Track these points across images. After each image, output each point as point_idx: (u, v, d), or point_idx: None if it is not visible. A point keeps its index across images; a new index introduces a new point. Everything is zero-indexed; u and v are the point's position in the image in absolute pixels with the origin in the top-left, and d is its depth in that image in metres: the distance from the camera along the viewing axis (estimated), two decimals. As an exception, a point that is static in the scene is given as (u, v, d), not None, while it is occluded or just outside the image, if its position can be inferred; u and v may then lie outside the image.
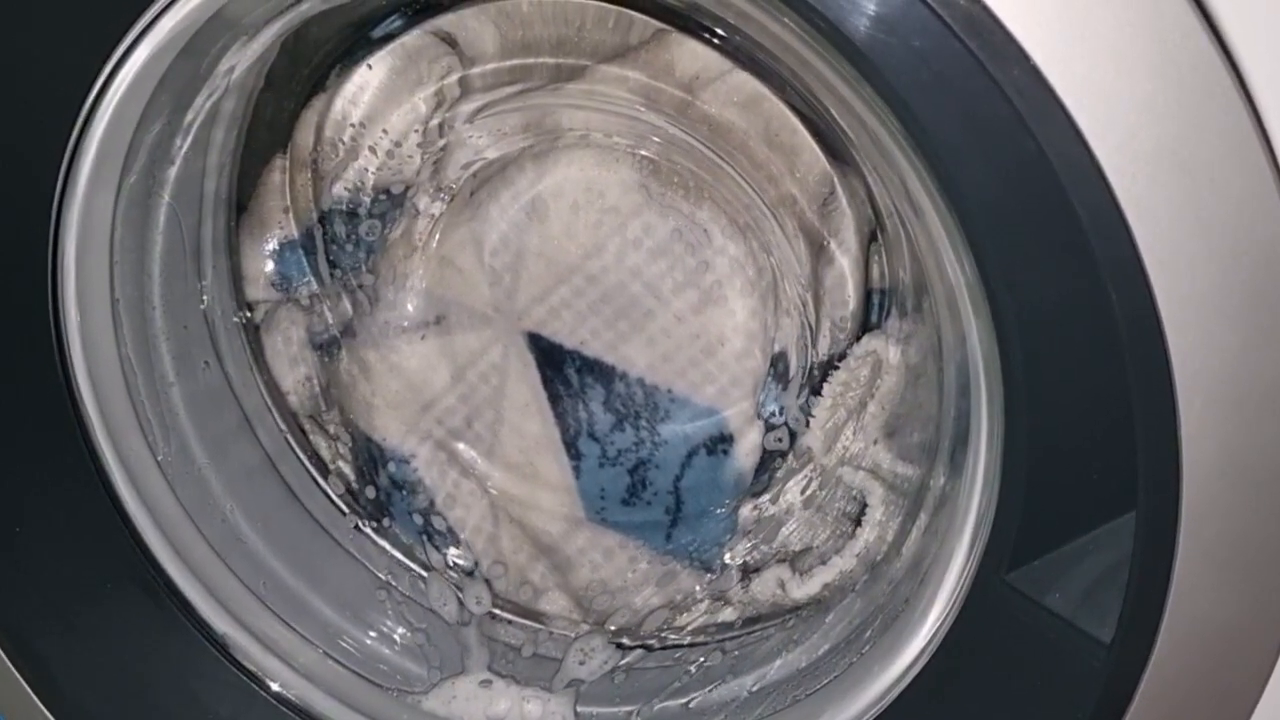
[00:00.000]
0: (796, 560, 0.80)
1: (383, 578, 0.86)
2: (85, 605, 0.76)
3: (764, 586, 0.80)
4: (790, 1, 0.52)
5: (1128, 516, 0.53)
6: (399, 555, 0.87)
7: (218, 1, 0.62)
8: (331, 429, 0.88)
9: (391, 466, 0.85)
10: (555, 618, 0.86)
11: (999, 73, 0.49)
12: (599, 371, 0.80)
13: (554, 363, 0.81)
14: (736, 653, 0.80)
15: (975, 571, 0.59)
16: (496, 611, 0.85)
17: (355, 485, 0.87)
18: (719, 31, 0.73)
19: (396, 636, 0.84)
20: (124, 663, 0.77)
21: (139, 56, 0.63)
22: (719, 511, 0.82)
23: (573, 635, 0.84)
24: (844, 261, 0.76)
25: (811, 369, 0.78)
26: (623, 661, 0.82)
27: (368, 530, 0.87)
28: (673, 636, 0.83)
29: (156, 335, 0.77)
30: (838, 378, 0.77)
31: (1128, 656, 0.56)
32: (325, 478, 0.87)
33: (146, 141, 0.69)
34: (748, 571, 0.82)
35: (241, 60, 0.71)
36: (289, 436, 0.87)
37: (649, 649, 0.83)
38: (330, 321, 0.85)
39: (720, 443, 0.80)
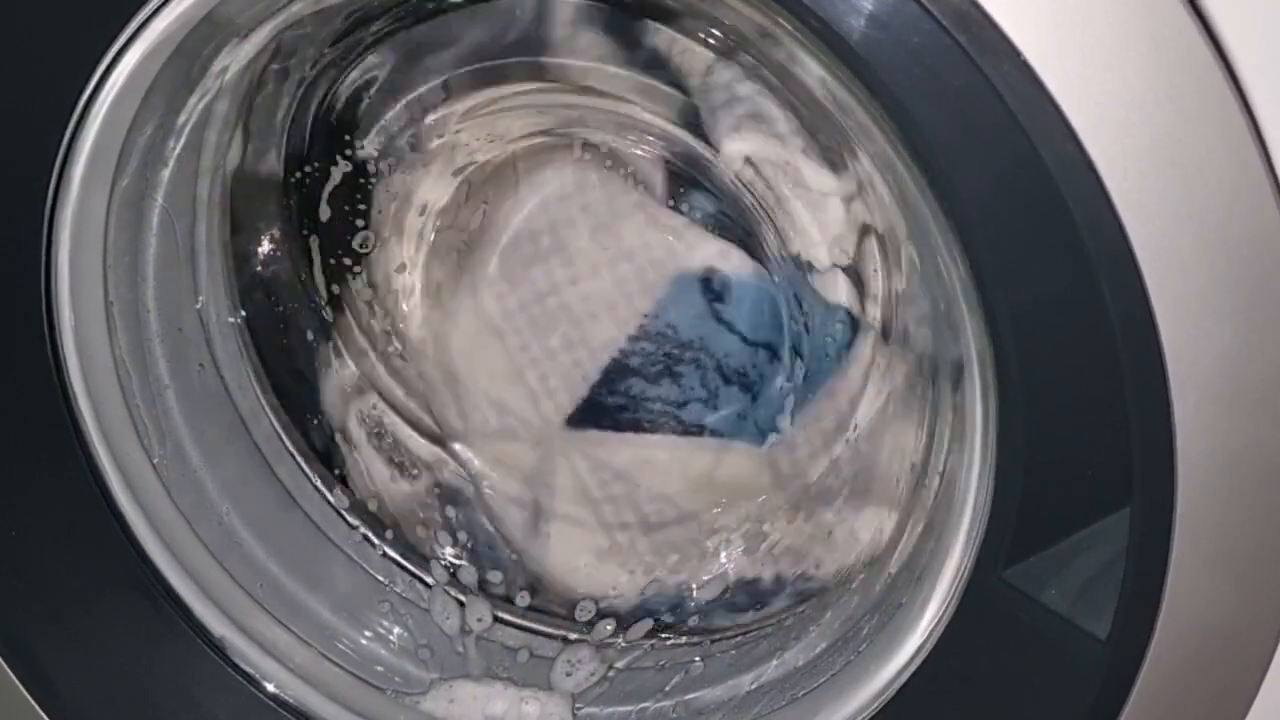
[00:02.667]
0: None
1: (380, 579, 0.86)
2: (81, 608, 0.76)
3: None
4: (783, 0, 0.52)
5: (1123, 512, 0.53)
6: (396, 557, 0.87)
7: (210, 2, 0.62)
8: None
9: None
10: (554, 618, 0.85)
11: (991, 69, 0.49)
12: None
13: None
14: (734, 651, 0.80)
15: (972, 568, 0.59)
16: (496, 614, 0.85)
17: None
18: (714, 31, 0.73)
19: (393, 638, 0.84)
20: (121, 666, 0.77)
21: (131, 58, 0.63)
22: None
23: (562, 642, 0.83)
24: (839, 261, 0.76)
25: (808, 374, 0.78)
26: (619, 664, 0.82)
27: (372, 538, 0.87)
28: (669, 636, 0.83)
29: (151, 338, 0.77)
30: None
31: (1124, 652, 0.56)
32: (331, 490, 0.87)
33: (139, 144, 0.69)
34: None
35: (234, 62, 0.71)
36: (284, 438, 0.86)
37: (652, 647, 0.82)
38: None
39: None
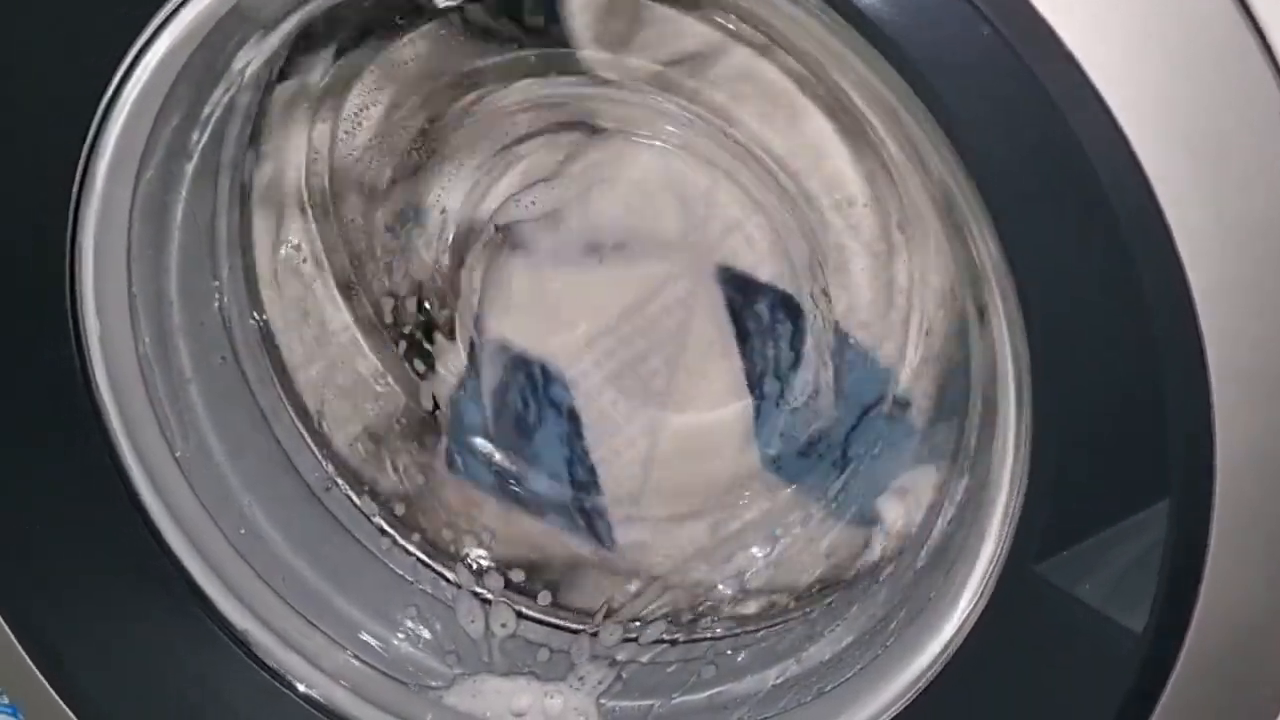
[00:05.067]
0: None
1: (404, 576, 0.86)
2: (104, 602, 0.76)
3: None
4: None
5: (1160, 505, 0.53)
6: (421, 555, 0.87)
7: (235, -7, 0.62)
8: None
9: (555, 389, 0.81)
10: (576, 613, 0.85)
11: (1028, 54, 0.48)
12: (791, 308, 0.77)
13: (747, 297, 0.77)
14: (758, 646, 0.80)
15: (1004, 561, 0.59)
16: (521, 610, 0.85)
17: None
18: (732, 16, 0.72)
19: (417, 632, 0.84)
20: (144, 659, 0.77)
21: (159, 49, 0.63)
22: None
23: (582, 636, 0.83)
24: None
25: None
26: (642, 658, 0.82)
27: (397, 537, 0.86)
28: (696, 631, 0.82)
29: (174, 331, 0.77)
30: None
31: (1160, 646, 0.55)
32: (359, 495, 0.86)
33: (164, 136, 0.69)
34: None
35: (258, 54, 0.70)
36: (304, 433, 0.86)
37: (674, 643, 0.82)
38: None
39: (896, 405, 0.76)
